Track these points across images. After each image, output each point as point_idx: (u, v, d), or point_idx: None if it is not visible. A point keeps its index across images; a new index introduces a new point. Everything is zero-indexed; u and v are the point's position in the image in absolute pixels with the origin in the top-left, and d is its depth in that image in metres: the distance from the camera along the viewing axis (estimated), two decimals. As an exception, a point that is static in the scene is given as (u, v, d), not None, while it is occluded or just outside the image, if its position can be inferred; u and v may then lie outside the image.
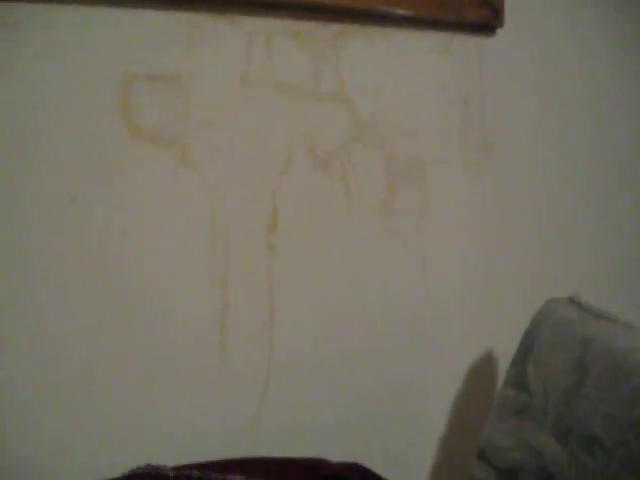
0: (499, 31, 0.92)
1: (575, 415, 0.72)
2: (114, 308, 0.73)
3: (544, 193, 0.98)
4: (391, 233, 0.87)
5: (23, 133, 0.69)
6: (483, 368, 0.95)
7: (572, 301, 0.82)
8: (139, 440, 0.75)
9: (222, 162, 0.77)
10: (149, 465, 0.69)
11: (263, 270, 0.80)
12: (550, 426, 0.74)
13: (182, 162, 0.75)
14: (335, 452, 0.79)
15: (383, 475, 0.77)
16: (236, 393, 0.80)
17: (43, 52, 0.69)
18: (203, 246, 0.76)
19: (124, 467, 0.69)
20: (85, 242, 0.72)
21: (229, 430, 0.79)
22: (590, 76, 0.99)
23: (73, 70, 0.70)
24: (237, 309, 0.79)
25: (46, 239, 0.70)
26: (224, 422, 0.79)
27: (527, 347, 0.81)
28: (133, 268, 0.74)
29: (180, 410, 0.77)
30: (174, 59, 0.75)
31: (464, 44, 0.91)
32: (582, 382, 0.72)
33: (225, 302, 0.78)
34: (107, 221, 0.72)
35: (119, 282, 0.73)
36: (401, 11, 0.85)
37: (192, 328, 0.77)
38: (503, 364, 0.93)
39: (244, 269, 0.79)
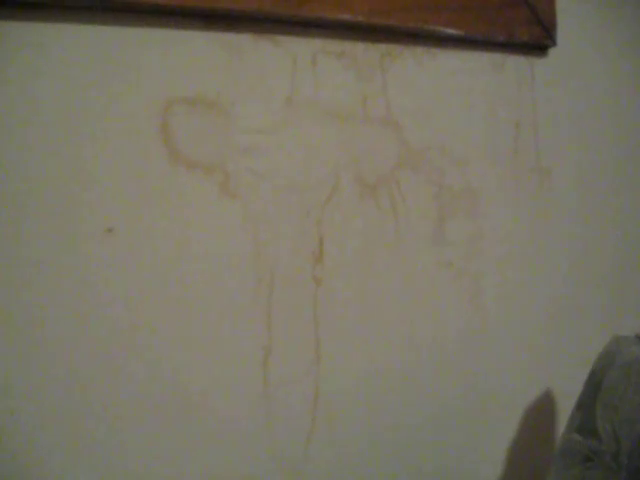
0: (551, 51, 0.88)
1: (654, 465, 0.65)
2: (146, 342, 0.68)
3: (605, 220, 0.93)
4: (442, 265, 0.82)
5: (58, 156, 0.64)
6: (541, 406, 0.89)
7: (640, 338, 0.76)
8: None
9: (265, 190, 0.73)
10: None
11: (309, 303, 0.75)
12: (624, 475, 0.68)
13: (223, 190, 0.71)
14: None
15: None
16: (282, 431, 0.74)
17: (78, 74, 0.65)
18: (247, 279, 0.71)
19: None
20: (122, 271, 0.67)
21: (275, 472, 0.73)
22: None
23: (110, 93, 0.66)
24: (282, 344, 0.73)
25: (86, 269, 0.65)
26: (270, 463, 0.73)
27: (594, 389, 0.74)
28: (172, 302, 0.69)
29: (223, 452, 0.71)
30: (215, 82, 0.71)
31: (515, 64, 0.86)
32: (661, 429, 0.66)
33: (270, 337, 0.73)
34: (144, 251, 0.67)
35: (159, 317, 0.68)
36: (450, 30, 0.81)
37: (236, 365, 0.71)
38: (562, 405, 0.86)
39: (289, 303, 0.74)
